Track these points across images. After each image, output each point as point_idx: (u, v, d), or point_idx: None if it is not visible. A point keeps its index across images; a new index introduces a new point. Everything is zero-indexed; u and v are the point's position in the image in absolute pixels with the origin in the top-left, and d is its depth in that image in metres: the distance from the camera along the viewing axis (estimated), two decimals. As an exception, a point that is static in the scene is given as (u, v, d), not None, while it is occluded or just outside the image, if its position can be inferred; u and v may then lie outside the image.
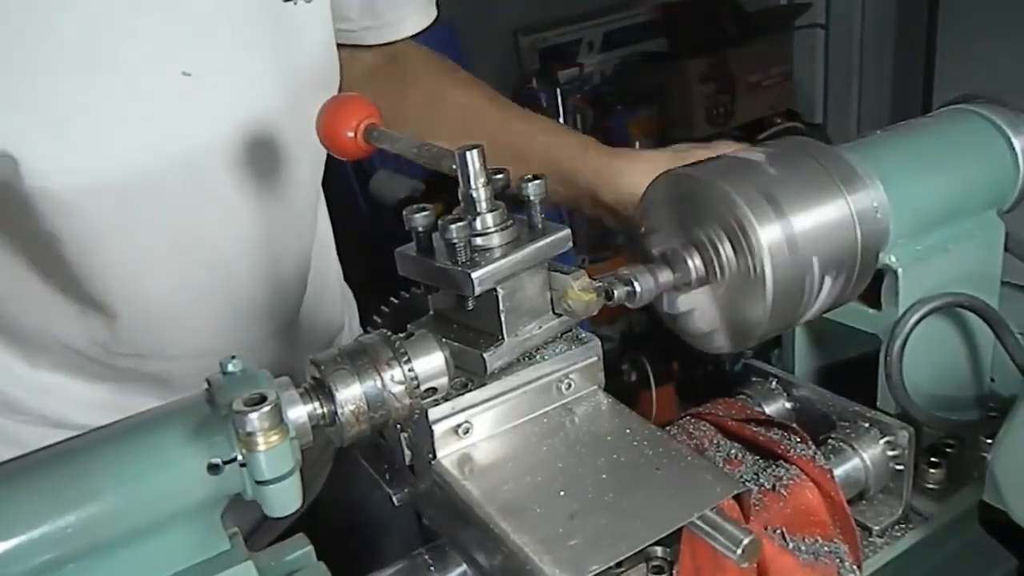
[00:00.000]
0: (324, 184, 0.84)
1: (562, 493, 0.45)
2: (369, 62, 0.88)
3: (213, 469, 0.39)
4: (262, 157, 0.69)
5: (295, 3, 0.69)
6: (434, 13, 0.90)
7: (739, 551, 0.42)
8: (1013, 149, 0.62)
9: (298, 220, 0.77)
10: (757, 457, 0.57)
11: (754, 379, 0.67)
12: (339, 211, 0.93)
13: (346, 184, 2.19)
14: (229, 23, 0.65)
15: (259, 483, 0.38)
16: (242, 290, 0.73)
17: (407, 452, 0.51)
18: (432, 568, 0.51)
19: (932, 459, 0.61)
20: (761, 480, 0.55)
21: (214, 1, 0.65)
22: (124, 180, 0.62)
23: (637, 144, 2.40)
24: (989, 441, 0.57)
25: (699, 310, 0.52)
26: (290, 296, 0.79)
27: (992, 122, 0.62)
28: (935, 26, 2.30)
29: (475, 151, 0.47)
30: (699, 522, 0.43)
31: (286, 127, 0.70)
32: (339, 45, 0.81)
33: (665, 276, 0.52)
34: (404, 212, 0.49)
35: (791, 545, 0.52)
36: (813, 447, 0.56)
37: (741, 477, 0.55)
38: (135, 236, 0.65)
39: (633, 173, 0.76)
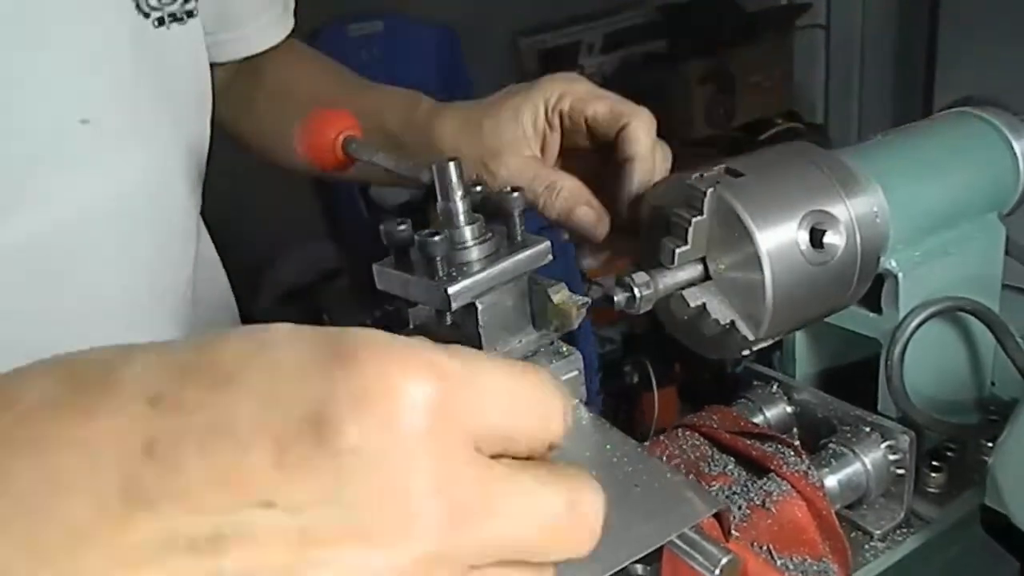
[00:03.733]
0: (326, 189, 0.84)
1: None
2: (227, 78, 0.84)
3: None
4: (152, 188, 0.69)
5: (167, 28, 0.67)
6: (291, 23, 0.86)
7: (717, 571, 0.42)
8: (1013, 152, 0.62)
9: (181, 239, 0.76)
10: (750, 472, 0.57)
11: (755, 383, 0.67)
12: (340, 216, 0.93)
13: (347, 189, 2.20)
14: (115, 60, 0.64)
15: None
16: (132, 318, 0.71)
17: None
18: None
19: (933, 463, 0.61)
20: (751, 495, 0.55)
21: (100, 38, 0.63)
22: (19, 242, 0.61)
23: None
24: (990, 445, 0.57)
25: (711, 304, 0.52)
26: (177, 315, 0.77)
27: (992, 125, 0.62)
28: (936, 28, 2.30)
29: (452, 163, 0.47)
30: (678, 541, 0.43)
31: (169, 152, 0.70)
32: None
33: (665, 281, 0.52)
34: (380, 226, 0.49)
35: (779, 563, 0.52)
36: (807, 461, 0.56)
37: (731, 492, 0.55)
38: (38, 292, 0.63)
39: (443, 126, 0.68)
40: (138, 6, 0.65)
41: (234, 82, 0.85)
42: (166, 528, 0.23)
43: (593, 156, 0.63)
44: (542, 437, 0.29)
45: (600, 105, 0.61)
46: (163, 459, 0.23)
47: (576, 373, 0.52)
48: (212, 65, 0.77)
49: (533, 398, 0.28)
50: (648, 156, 0.59)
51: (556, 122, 0.63)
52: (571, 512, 0.28)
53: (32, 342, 0.63)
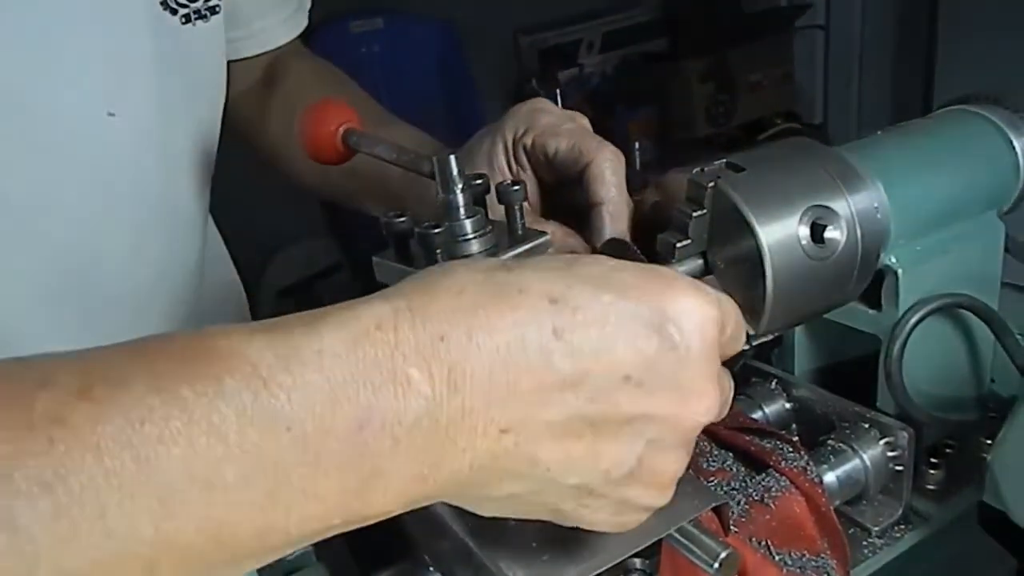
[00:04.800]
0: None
1: None
2: (245, 77, 0.85)
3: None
4: (163, 183, 0.70)
5: (192, 24, 0.68)
6: (305, 22, 0.86)
7: (716, 564, 0.42)
8: (1013, 150, 0.61)
9: (189, 235, 0.77)
10: (748, 468, 0.58)
11: (754, 379, 0.67)
12: (342, 211, 0.93)
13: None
14: (139, 53, 0.64)
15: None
16: (145, 308, 0.72)
17: None
18: (431, 568, 0.51)
19: (932, 460, 0.61)
20: (750, 490, 0.55)
21: (128, 33, 0.64)
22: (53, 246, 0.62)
23: (637, 145, 2.40)
24: (989, 442, 0.57)
25: None
26: (186, 302, 0.78)
27: (992, 123, 0.62)
28: (935, 27, 2.29)
29: (453, 156, 0.47)
30: (676, 535, 0.43)
31: (183, 148, 0.71)
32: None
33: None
34: (380, 218, 0.49)
35: (777, 558, 0.52)
36: (806, 457, 0.56)
37: (730, 487, 0.55)
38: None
39: None
40: (164, 1, 0.66)
41: (251, 90, 0.85)
42: (569, 380, 0.35)
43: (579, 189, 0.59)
44: (737, 348, 0.43)
45: (562, 141, 0.57)
46: (565, 340, 0.35)
47: None
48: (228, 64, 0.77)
49: (740, 324, 0.42)
50: (618, 199, 0.56)
51: (524, 160, 0.60)
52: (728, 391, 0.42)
53: (42, 335, 0.64)
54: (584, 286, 0.36)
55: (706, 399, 0.37)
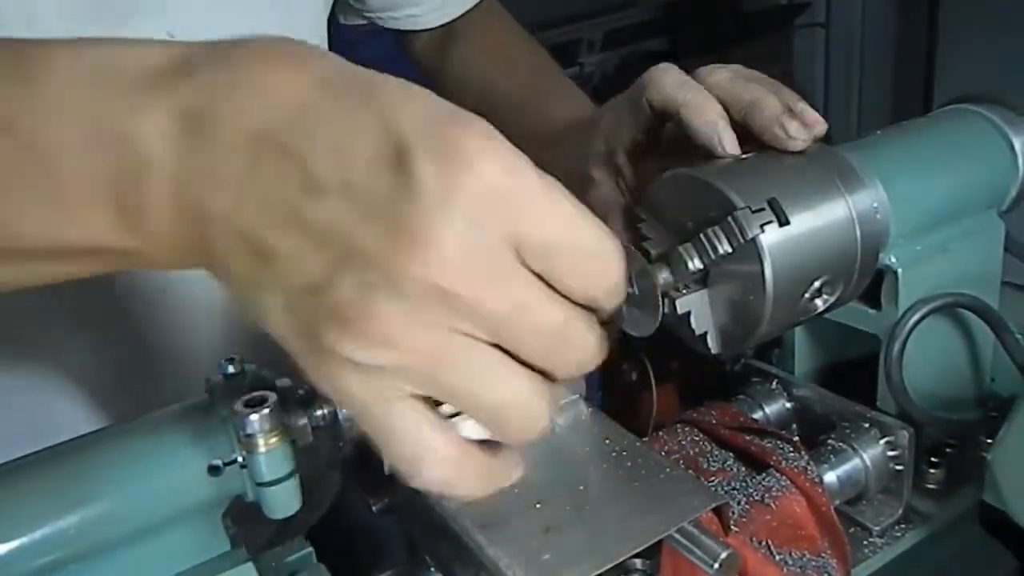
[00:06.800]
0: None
1: (538, 505, 0.46)
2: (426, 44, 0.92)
3: (213, 471, 0.39)
4: None
5: None
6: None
7: (716, 565, 0.42)
8: (1013, 149, 0.62)
9: None
10: (749, 468, 0.58)
11: (754, 379, 0.67)
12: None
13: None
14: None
15: (259, 485, 0.38)
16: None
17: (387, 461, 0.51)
18: (431, 568, 0.51)
19: (932, 459, 0.61)
20: (750, 490, 0.55)
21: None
22: None
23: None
24: (989, 441, 0.57)
25: (695, 312, 0.52)
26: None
27: (992, 122, 0.62)
28: (936, 25, 2.30)
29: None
30: (677, 535, 0.43)
31: None
32: (400, 32, 0.89)
33: (664, 277, 0.51)
34: None
35: (778, 558, 0.52)
36: (806, 457, 0.56)
37: (731, 487, 0.55)
38: None
39: None
40: None
41: (425, 50, 0.91)
42: (291, 158, 0.30)
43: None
44: (581, 284, 0.31)
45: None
46: (310, 116, 0.31)
47: None
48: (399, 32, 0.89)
49: (591, 246, 0.31)
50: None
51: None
52: (563, 330, 0.31)
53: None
54: (385, 89, 0.32)
55: (430, 248, 0.29)
